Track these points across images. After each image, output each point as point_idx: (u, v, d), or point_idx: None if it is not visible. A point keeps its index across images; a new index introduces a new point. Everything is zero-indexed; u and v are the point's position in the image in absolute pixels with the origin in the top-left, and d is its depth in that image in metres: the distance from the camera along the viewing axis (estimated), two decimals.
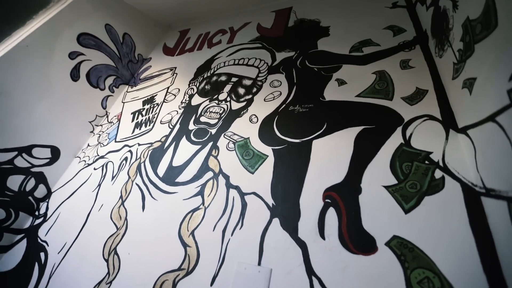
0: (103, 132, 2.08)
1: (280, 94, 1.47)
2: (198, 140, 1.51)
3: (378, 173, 0.99)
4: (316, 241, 0.92)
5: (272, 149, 1.25)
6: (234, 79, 1.77)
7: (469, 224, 0.79)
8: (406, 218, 0.86)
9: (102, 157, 1.82)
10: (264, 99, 1.51)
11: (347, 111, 1.23)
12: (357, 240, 0.87)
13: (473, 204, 0.81)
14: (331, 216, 0.95)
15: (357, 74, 1.35)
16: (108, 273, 1.16)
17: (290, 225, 0.99)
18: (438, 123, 1.03)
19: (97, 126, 2.18)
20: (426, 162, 0.95)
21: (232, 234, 1.05)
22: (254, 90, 1.61)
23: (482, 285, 0.68)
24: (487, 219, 0.77)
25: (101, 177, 1.66)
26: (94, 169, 1.76)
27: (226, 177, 1.24)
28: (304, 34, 1.81)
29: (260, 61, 1.78)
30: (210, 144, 1.45)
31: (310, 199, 1.02)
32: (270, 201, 1.08)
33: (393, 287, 0.76)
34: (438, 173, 0.91)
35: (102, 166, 1.75)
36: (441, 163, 0.93)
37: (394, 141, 1.05)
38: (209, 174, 1.30)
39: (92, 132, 2.14)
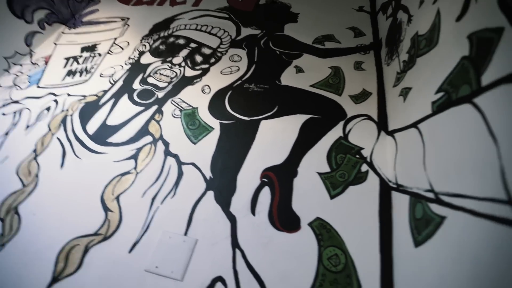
0: (22, 73, 1.75)
1: (238, 69, 1.44)
2: (142, 102, 1.39)
3: (315, 160, 1.06)
4: (246, 216, 0.95)
5: (219, 122, 1.22)
6: (193, 45, 1.66)
7: (378, 213, 0.91)
8: (331, 203, 0.94)
9: (17, 102, 1.53)
10: (221, 72, 1.46)
11: (299, 98, 1.28)
12: (284, 218, 0.93)
13: (385, 196, 0.94)
14: (265, 194, 0.99)
15: (315, 65, 1.41)
16: (3, 234, 1.00)
17: (224, 199, 1.00)
18: (373, 123, 1.14)
19: (16, 65, 1.82)
20: (357, 156, 1.06)
21: (162, 203, 1.01)
22: (212, 60, 1.54)
23: (375, 261, 0.80)
24: (392, 209, 0.90)
25: (11, 124, 1.41)
26: (3, 114, 1.48)
27: (166, 144, 1.18)
28: (273, 15, 1.79)
29: (224, 32, 1.71)
30: (155, 107, 1.34)
31: (248, 176, 1.04)
32: (208, 174, 1.07)
33: (307, 261, 0.83)
34: (364, 167, 1.02)
35: (15, 112, 1.47)
36: (368, 159, 1.05)
37: (335, 133, 1.13)
38: (148, 139, 1.21)
39: (7, 70, 1.78)
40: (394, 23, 1.32)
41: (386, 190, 0.94)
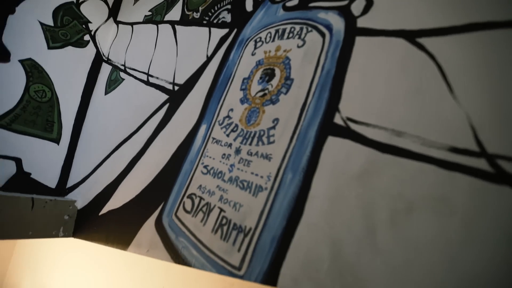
0: None
1: None
2: None
3: (40, 10, 1.17)
4: None
5: None
6: None
7: (88, 73, 1.32)
8: (47, 52, 1.18)
9: None
10: None
11: None
12: None
13: (96, 64, 1.36)
14: None
15: None
16: None
17: None
18: (107, 8, 1.45)
19: None
20: (84, 26, 1.34)
21: None
22: None
23: (76, 101, 1.25)
24: (99, 73, 1.36)
25: None
26: None
27: None
28: None
29: None
30: None
31: None
32: None
33: (12, 90, 1.05)
34: (87, 37, 1.34)
35: None
36: (93, 33, 1.38)
37: None
38: None
39: None
40: None
41: (99, 60, 1.37)
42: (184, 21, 1.04)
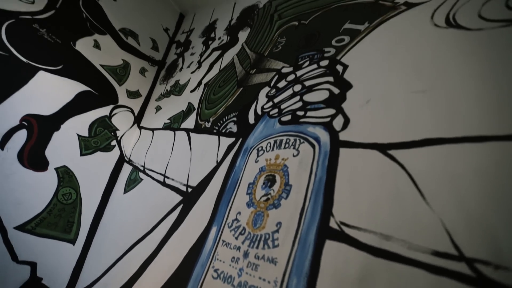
0: None
1: (33, 3, 1.43)
2: None
3: (79, 124, 1.45)
4: None
5: None
6: None
7: (110, 173, 1.51)
8: (80, 158, 1.39)
9: None
10: None
11: (87, 70, 1.58)
12: (34, 159, 1.23)
13: (119, 164, 1.57)
14: (21, 135, 1.21)
15: (112, 50, 1.78)
16: None
17: None
18: (133, 116, 1.76)
19: None
20: (112, 133, 1.60)
21: None
22: None
23: (96, 201, 1.38)
24: (120, 172, 1.54)
25: None
26: None
27: None
28: None
29: None
30: None
31: (7, 116, 1.19)
32: None
33: (44, 194, 1.21)
34: (114, 142, 1.59)
35: None
36: (119, 139, 1.63)
37: (103, 111, 1.59)
38: None
39: None
40: (175, 62, 2.10)
41: (121, 160, 1.58)
42: (198, 129, 1.26)
